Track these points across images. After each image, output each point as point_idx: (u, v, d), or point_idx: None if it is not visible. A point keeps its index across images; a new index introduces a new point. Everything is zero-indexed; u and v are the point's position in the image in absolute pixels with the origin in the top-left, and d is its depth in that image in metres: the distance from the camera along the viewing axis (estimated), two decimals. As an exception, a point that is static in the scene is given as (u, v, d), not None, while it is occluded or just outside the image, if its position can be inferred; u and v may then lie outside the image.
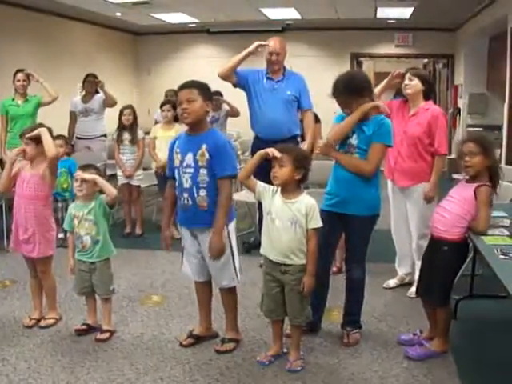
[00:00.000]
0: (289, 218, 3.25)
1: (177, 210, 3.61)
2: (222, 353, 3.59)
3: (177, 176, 3.49)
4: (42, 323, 3.96)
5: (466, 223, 3.32)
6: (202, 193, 3.40)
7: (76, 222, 3.77)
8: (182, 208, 3.51)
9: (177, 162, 3.48)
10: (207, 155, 3.36)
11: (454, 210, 3.36)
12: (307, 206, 3.24)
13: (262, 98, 4.97)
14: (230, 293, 3.65)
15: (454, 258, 3.44)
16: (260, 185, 3.38)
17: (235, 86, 5.03)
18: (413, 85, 4.32)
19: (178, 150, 3.48)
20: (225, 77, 4.89)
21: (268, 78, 4.99)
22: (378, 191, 3.64)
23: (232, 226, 3.55)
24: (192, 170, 3.40)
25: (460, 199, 3.36)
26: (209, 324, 3.79)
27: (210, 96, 3.53)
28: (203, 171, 3.38)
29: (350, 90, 3.48)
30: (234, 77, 4.94)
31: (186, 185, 3.42)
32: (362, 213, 3.57)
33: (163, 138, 5.99)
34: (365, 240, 3.68)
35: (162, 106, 6.25)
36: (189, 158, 3.41)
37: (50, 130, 3.93)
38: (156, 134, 6.29)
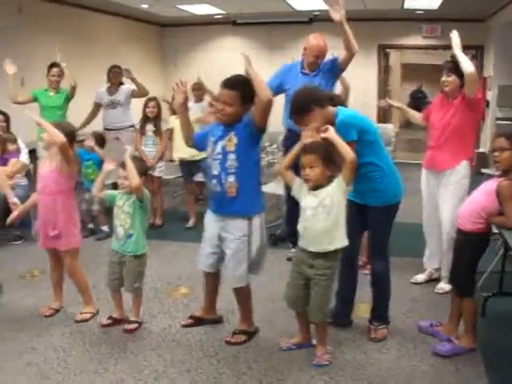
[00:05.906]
0: (316, 205, 3.24)
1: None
2: (232, 344, 3.64)
3: (209, 163, 3.51)
4: (78, 317, 3.98)
5: (481, 219, 3.36)
6: (231, 179, 3.40)
7: (116, 210, 3.82)
8: (211, 194, 3.54)
9: (209, 151, 3.50)
10: (235, 140, 3.39)
11: (474, 201, 3.43)
12: (330, 194, 3.23)
13: None
14: (240, 287, 3.65)
15: (468, 248, 3.46)
16: (297, 181, 3.36)
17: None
18: (450, 81, 4.27)
19: (212, 139, 3.50)
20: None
21: (303, 73, 4.91)
22: (392, 181, 3.59)
23: (257, 222, 3.51)
24: (220, 157, 3.42)
25: (481, 191, 3.44)
26: (210, 307, 3.89)
27: (251, 97, 3.38)
28: (231, 156, 3.39)
29: (298, 111, 3.41)
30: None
31: (215, 171, 3.44)
32: (378, 203, 3.56)
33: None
34: (384, 231, 3.66)
35: None
36: (219, 146, 3.44)
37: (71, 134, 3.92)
38: (173, 125, 6.37)
